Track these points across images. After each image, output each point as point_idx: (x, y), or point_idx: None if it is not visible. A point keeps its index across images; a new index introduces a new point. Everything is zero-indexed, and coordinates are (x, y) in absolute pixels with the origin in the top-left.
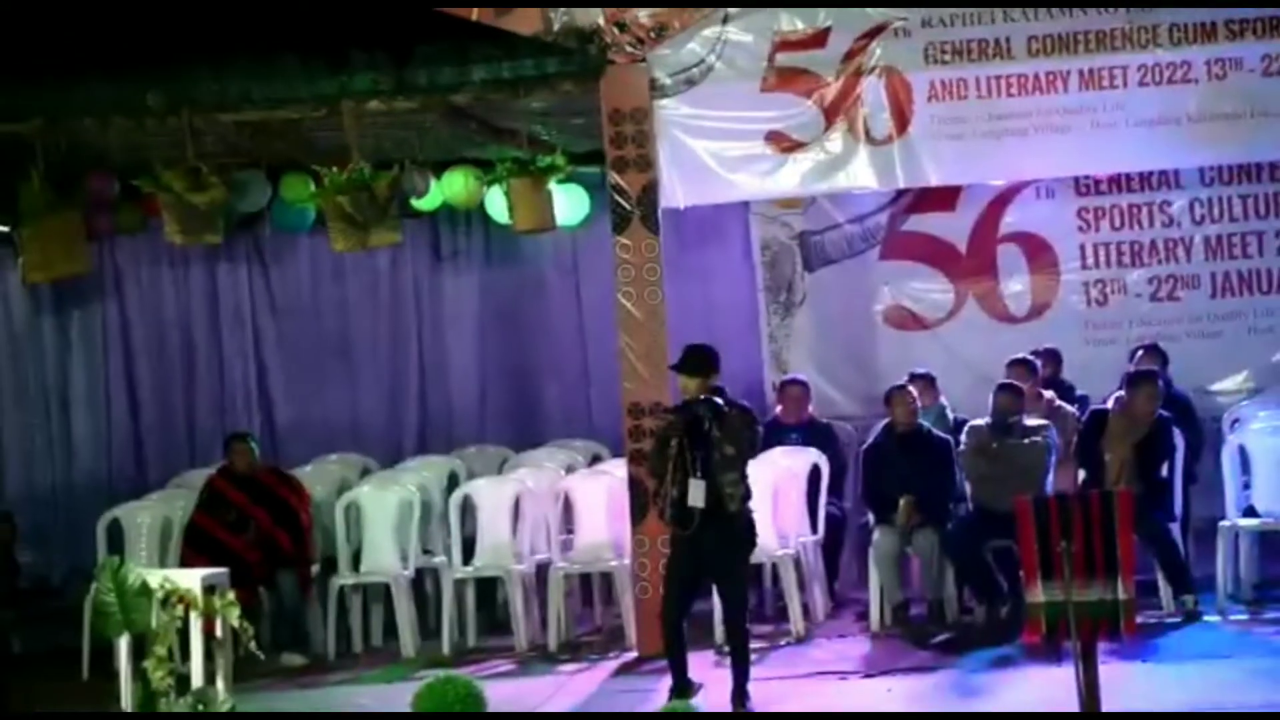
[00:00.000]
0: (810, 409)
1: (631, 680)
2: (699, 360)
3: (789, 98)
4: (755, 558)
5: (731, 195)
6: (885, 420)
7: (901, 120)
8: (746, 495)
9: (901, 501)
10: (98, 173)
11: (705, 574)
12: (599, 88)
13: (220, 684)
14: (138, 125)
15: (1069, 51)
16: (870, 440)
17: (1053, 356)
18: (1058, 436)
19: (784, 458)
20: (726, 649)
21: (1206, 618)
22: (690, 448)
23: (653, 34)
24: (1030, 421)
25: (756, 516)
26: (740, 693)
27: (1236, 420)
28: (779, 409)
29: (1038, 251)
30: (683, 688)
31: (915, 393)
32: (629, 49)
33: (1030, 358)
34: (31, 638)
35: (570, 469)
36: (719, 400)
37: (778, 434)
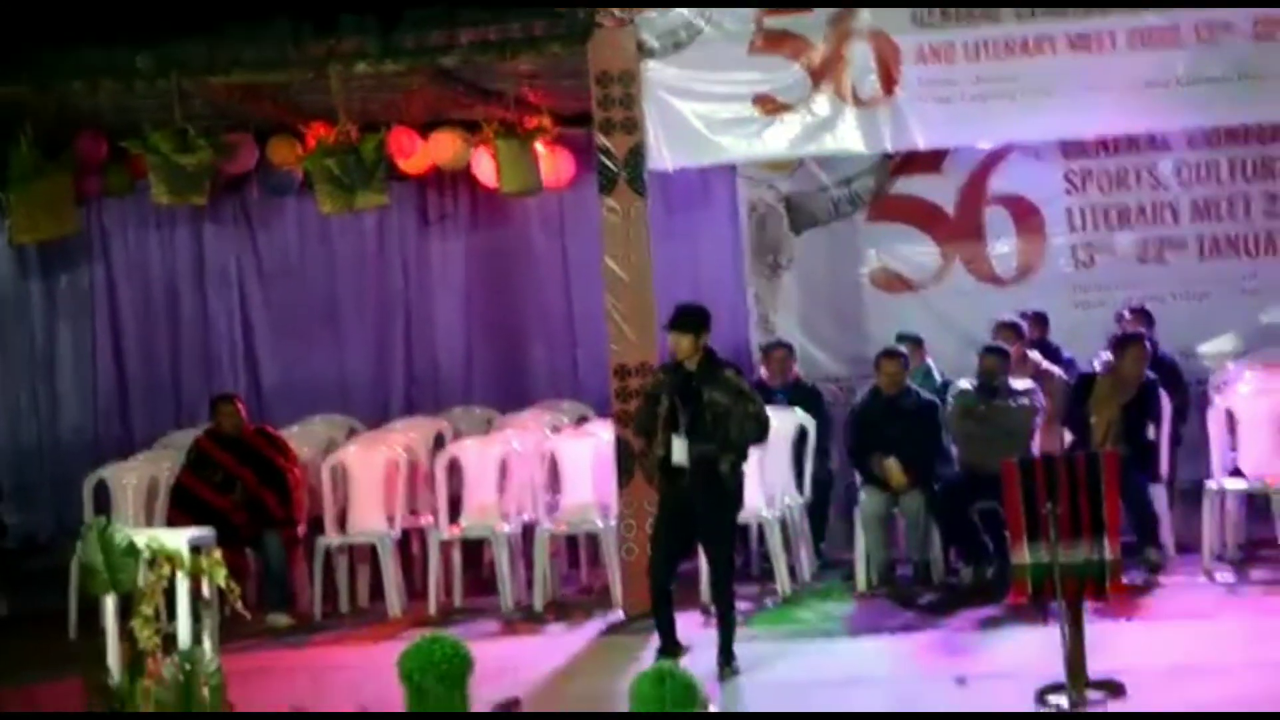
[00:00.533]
0: (796, 371)
1: (617, 640)
2: (691, 319)
3: (776, 60)
4: (742, 519)
5: (718, 157)
6: (872, 383)
7: (889, 83)
8: (741, 457)
9: (886, 463)
10: (86, 135)
11: (693, 534)
12: (586, 50)
13: (207, 644)
14: (127, 88)
15: (1057, 14)
16: (858, 402)
17: (1039, 319)
18: (1044, 399)
19: (771, 419)
20: (713, 609)
21: (1190, 580)
22: (680, 406)
23: None
24: (1017, 384)
25: (745, 476)
26: (726, 653)
27: (1223, 382)
28: (764, 372)
29: (1025, 214)
30: (670, 648)
31: (906, 355)
32: (616, 12)
33: (1017, 320)
34: (18, 598)
35: (556, 430)
36: (713, 358)
37: (763, 396)
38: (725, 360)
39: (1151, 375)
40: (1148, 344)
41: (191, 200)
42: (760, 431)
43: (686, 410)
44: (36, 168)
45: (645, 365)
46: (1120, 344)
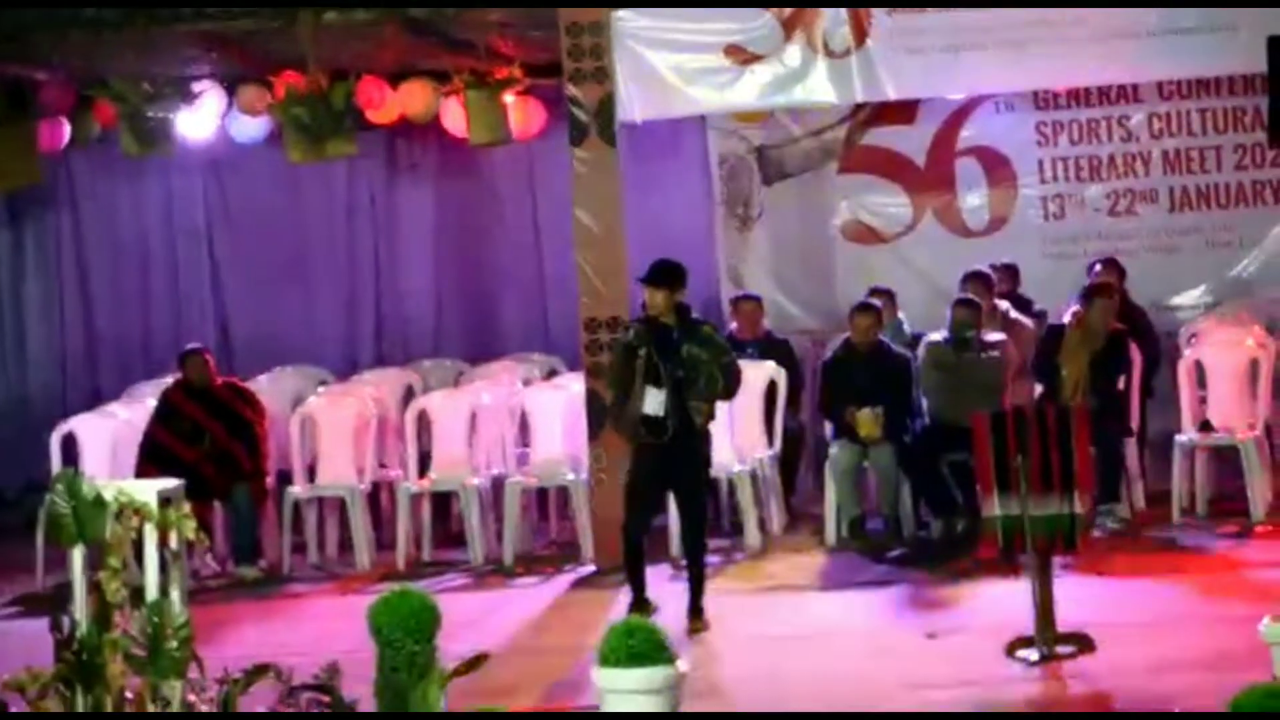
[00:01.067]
0: (765, 324)
1: (587, 594)
2: (667, 273)
3: (748, 11)
4: (714, 472)
5: (689, 108)
6: (844, 335)
7: (860, 33)
8: (712, 415)
9: (859, 414)
10: (53, 84)
11: (669, 488)
12: None
13: (175, 596)
14: (94, 36)
15: None
16: (829, 355)
17: (1010, 271)
18: (1014, 351)
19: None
20: (683, 563)
21: (1160, 534)
22: (660, 360)
23: None
24: (988, 336)
25: (713, 431)
26: (696, 608)
27: (1194, 335)
28: (734, 325)
29: (996, 166)
30: (641, 604)
31: (879, 309)
32: None
33: (987, 271)
34: None
35: (527, 383)
36: (688, 313)
37: (733, 349)
38: (700, 317)
39: (1120, 327)
40: (1116, 295)
41: (159, 150)
42: (734, 386)
43: (667, 364)
44: (2, 115)
45: (616, 319)
46: (1087, 295)
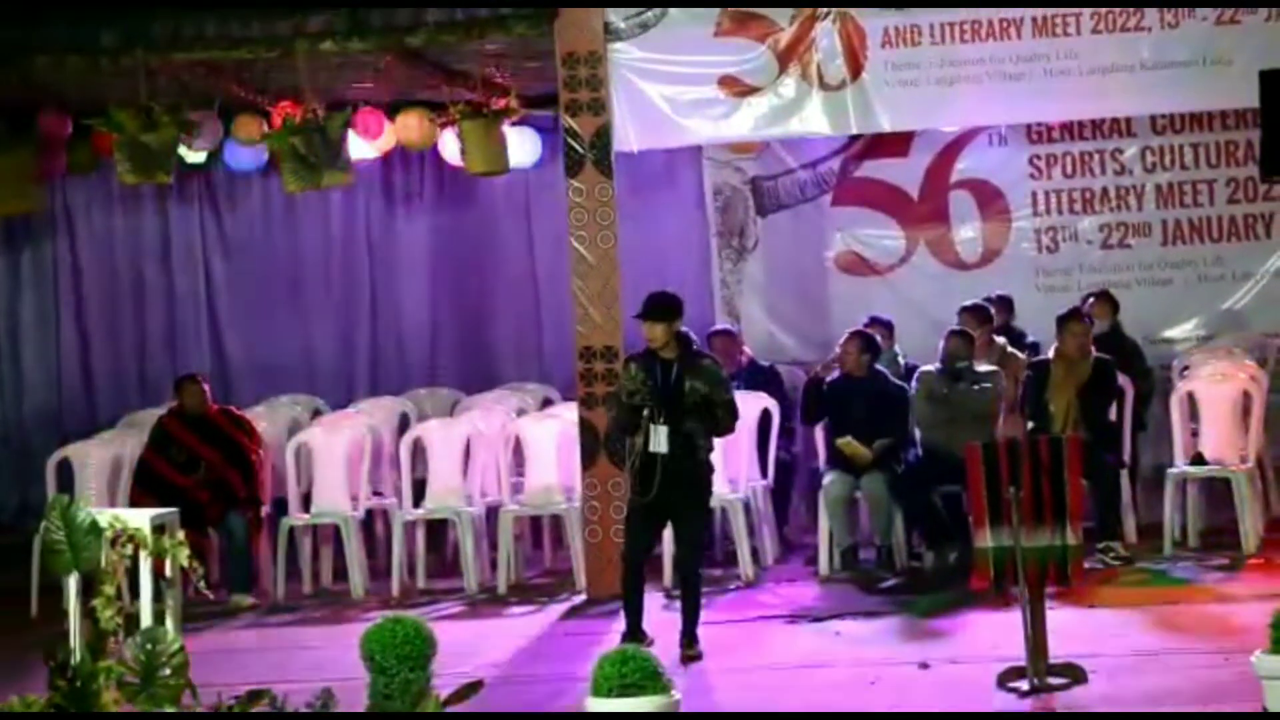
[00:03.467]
0: (746, 353)
1: (581, 622)
2: (665, 307)
3: (743, 42)
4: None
5: (684, 139)
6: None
7: (855, 66)
8: (711, 445)
9: (843, 441)
10: (51, 112)
11: (668, 518)
12: (553, 31)
13: (170, 624)
14: (92, 64)
15: None
16: (829, 378)
17: (1005, 304)
18: (1008, 383)
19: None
20: (677, 592)
21: (1151, 566)
22: (661, 397)
23: None
24: (981, 367)
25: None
26: (689, 636)
27: (1186, 368)
28: None
29: (989, 198)
30: (636, 636)
31: (870, 336)
32: None
33: (983, 304)
34: None
35: (521, 412)
36: (690, 345)
37: None
38: (701, 349)
39: (1103, 356)
40: (1088, 319)
41: (156, 179)
42: (733, 422)
43: (668, 400)
44: (0, 143)
45: (610, 348)
46: (1060, 323)
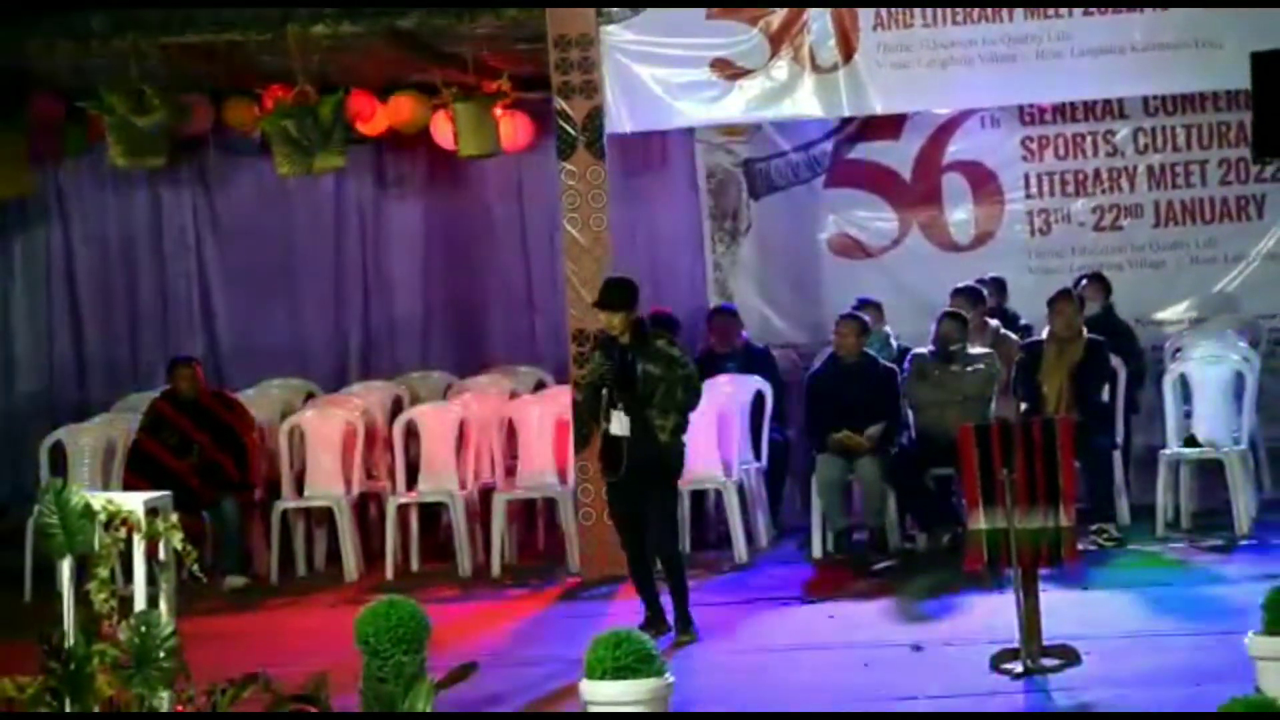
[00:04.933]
0: (744, 335)
1: (574, 605)
2: (618, 297)
3: (735, 25)
4: (699, 485)
5: (676, 122)
6: (829, 351)
7: (847, 48)
8: (680, 421)
9: (838, 437)
10: (42, 95)
11: (639, 501)
12: (545, 13)
13: (163, 607)
14: (83, 48)
15: None
16: (815, 368)
17: (998, 285)
18: (1001, 365)
19: (727, 385)
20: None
21: (1144, 548)
22: (617, 384)
23: None
24: (974, 350)
25: (701, 444)
26: (683, 620)
27: (1178, 350)
28: (712, 339)
29: (982, 180)
30: (656, 620)
31: (863, 320)
32: None
33: (976, 286)
34: None
35: (514, 395)
36: (643, 330)
37: (714, 363)
38: (653, 330)
39: (1095, 337)
40: (1076, 299)
41: (149, 162)
42: (694, 396)
43: (624, 386)
44: None
45: (603, 331)
46: (1050, 304)
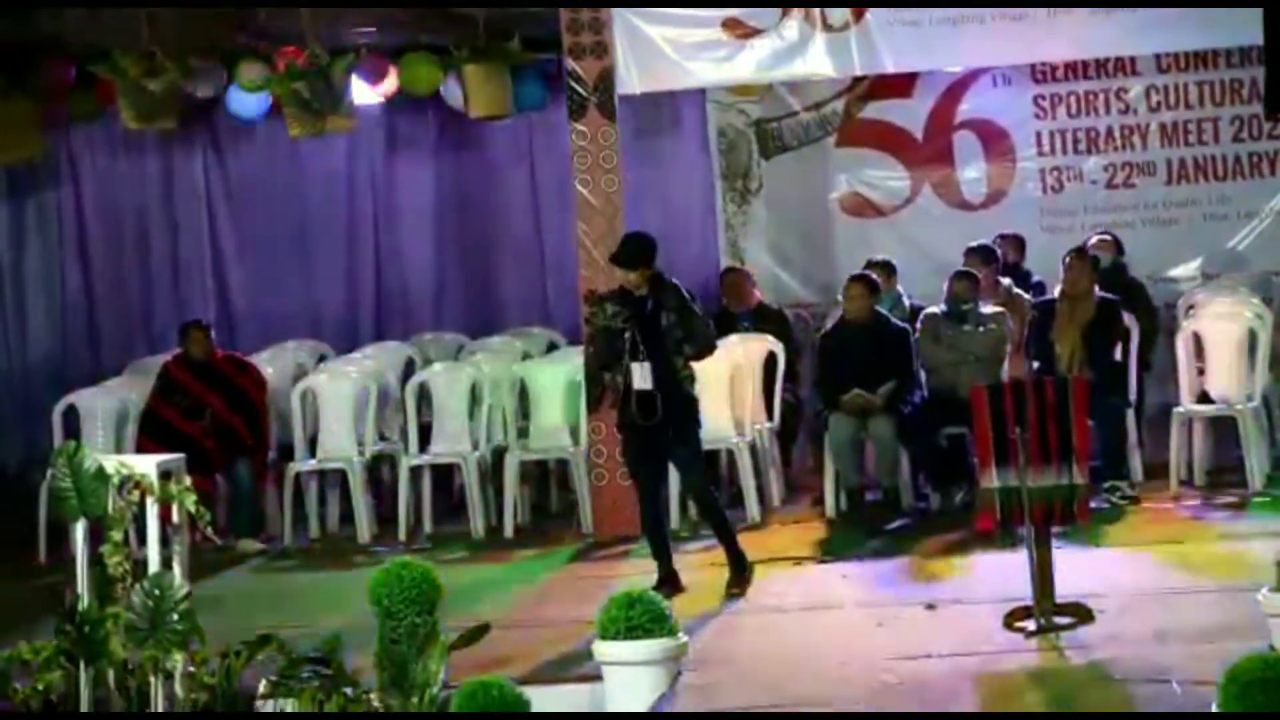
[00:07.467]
0: (757, 294)
1: (587, 565)
2: (637, 252)
3: None
4: (712, 444)
5: (688, 82)
6: (840, 312)
7: (858, 7)
8: (693, 378)
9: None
10: (53, 59)
11: (666, 460)
12: None
13: (177, 570)
14: (93, 12)
15: None
16: (827, 328)
17: (1017, 242)
18: (1014, 324)
19: (740, 344)
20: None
21: (1158, 505)
22: (641, 334)
23: None
24: (986, 309)
25: (713, 403)
26: (738, 558)
27: (1191, 307)
28: (725, 298)
29: (994, 139)
30: (669, 578)
31: (874, 280)
32: None
33: (989, 245)
34: None
35: (526, 356)
36: (662, 281)
37: (727, 321)
38: (667, 279)
39: (1109, 296)
40: (1090, 256)
41: (160, 124)
42: (709, 338)
43: (648, 337)
44: (2, 91)
45: (616, 292)
46: (1065, 262)
